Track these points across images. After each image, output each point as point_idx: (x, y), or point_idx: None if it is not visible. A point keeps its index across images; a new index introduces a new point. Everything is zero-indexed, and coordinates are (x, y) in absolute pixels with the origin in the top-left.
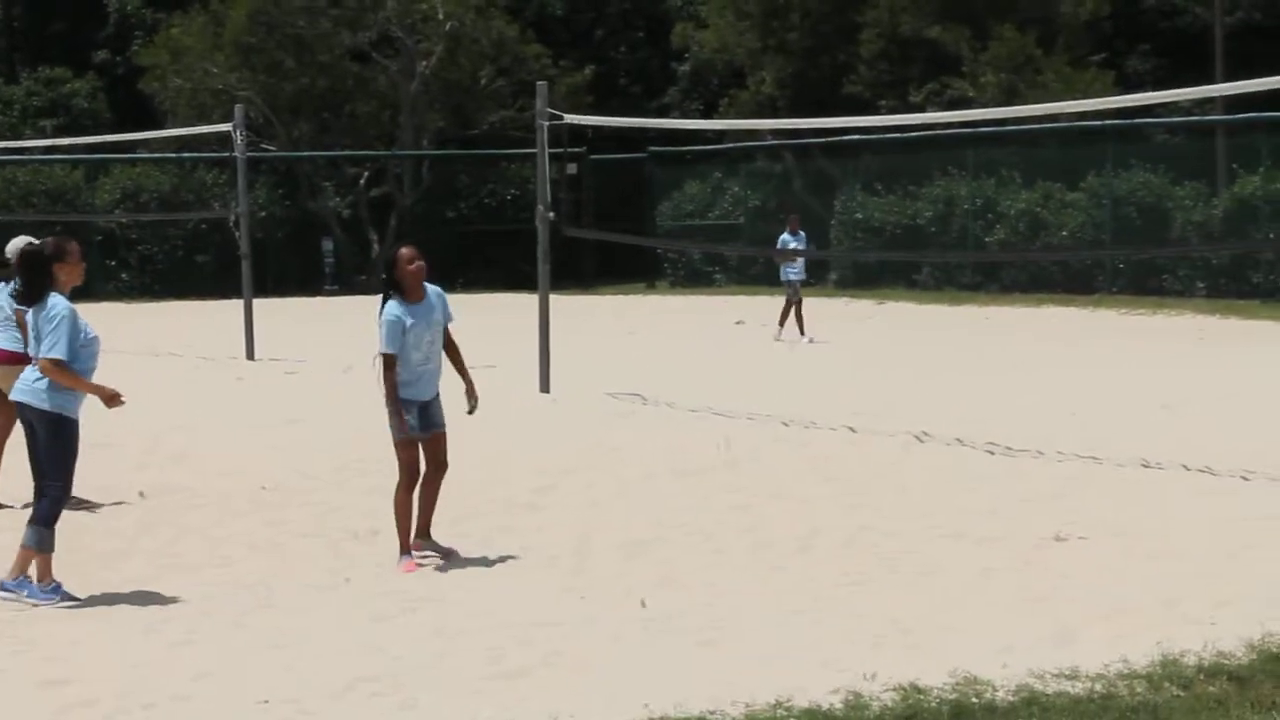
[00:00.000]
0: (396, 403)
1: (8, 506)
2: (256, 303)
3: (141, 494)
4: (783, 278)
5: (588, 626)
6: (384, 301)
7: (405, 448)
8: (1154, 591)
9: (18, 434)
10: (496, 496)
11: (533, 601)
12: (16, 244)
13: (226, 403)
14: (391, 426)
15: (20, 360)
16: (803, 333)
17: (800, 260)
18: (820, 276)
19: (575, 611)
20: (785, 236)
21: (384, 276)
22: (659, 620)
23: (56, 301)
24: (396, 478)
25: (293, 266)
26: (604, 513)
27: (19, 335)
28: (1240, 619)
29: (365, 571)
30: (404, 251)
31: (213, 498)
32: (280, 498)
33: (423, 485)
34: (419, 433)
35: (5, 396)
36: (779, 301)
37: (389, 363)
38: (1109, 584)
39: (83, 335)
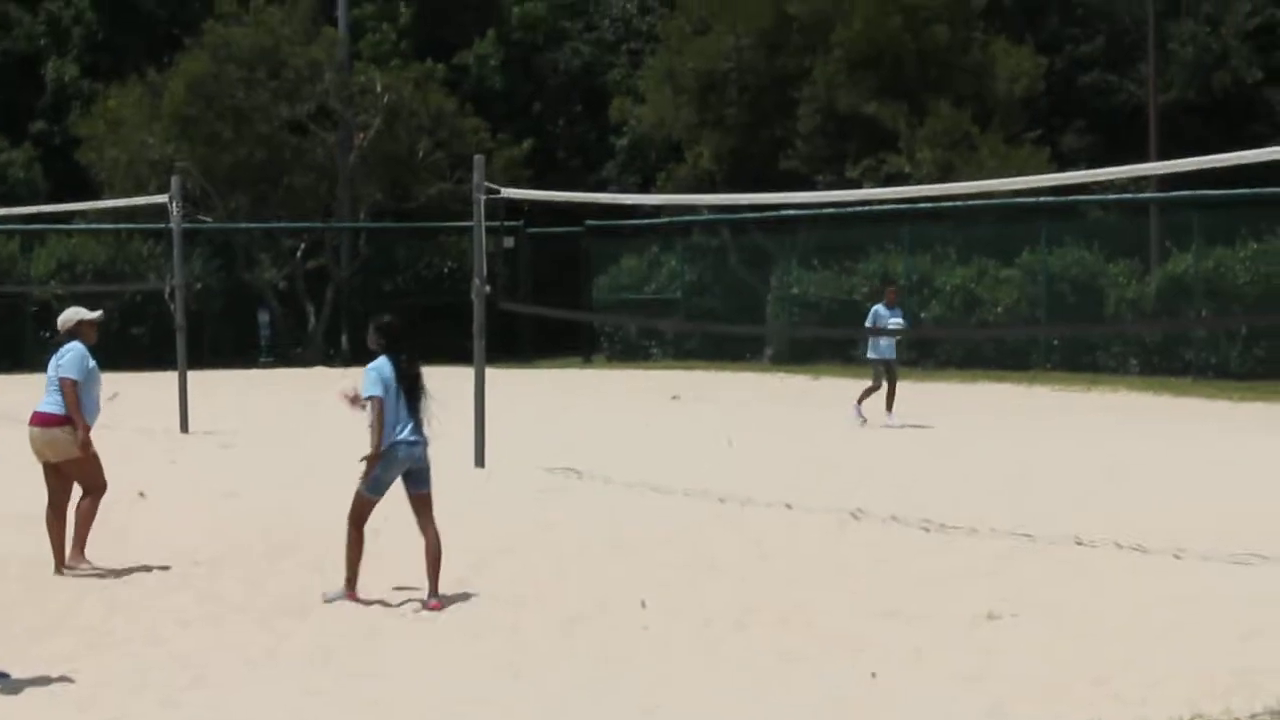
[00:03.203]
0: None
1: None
2: (191, 375)
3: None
4: (872, 354)
5: (522, 704)
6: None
7: None
8: (1085, 670)
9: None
10: None
11: (467, 678)
12: (64, 313)
13: (160, 476)
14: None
15: (60, 422)
16: (858, 405)
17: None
18: (757, 352)
19: (510, 689)
20: (879, 309)
21: (389, 339)
22: (595, 697)
23: None
24: (348, 551)
25: (228, 338)
26: (540, 588)
27: (60, 399)
28: (1170, 699)
29: (299, 646)
30: None
31: (144, 572)
32: (213, 572)
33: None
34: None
35: (51, 466)
36: (714, 377)
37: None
38: (1041, 662)
39: None
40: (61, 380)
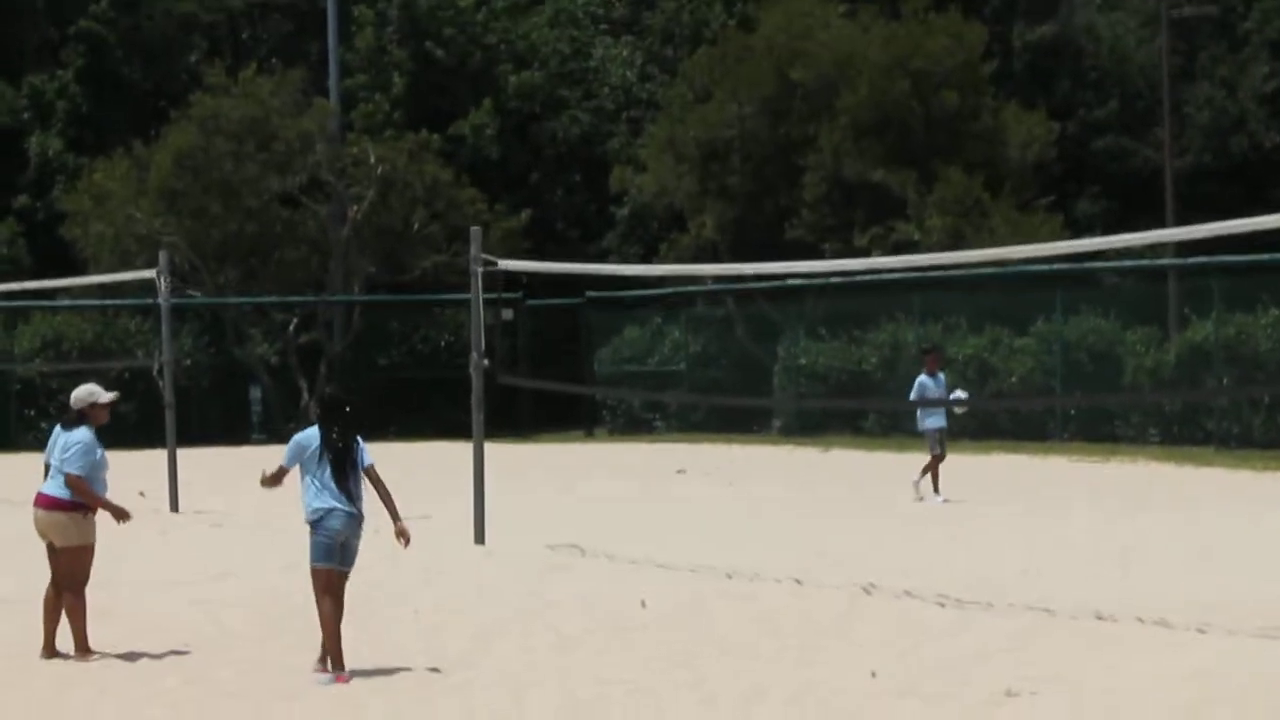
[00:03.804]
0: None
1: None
2: (181, 452)
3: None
4: (920, 427)
5: None
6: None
7: None
8: None
9: None
10: (430, 652)
11: None
12: (78, 391)
13: (149, 557)
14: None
15: (64, 507)
16: (937, 490)
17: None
18: (764, 424)
19: None
20: (923, 379)
21: (323, 409)
22: None
23: None
24: (321, 630)
25: (218, 415)
26: (542, 670)
27: (63, 481)
28: None
29: None
30: None
31: (134, 656)
32: (204, 655)
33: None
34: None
35: (53, 546)
36: (721, 450)
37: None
38: None
39: None
40: (66, 476)
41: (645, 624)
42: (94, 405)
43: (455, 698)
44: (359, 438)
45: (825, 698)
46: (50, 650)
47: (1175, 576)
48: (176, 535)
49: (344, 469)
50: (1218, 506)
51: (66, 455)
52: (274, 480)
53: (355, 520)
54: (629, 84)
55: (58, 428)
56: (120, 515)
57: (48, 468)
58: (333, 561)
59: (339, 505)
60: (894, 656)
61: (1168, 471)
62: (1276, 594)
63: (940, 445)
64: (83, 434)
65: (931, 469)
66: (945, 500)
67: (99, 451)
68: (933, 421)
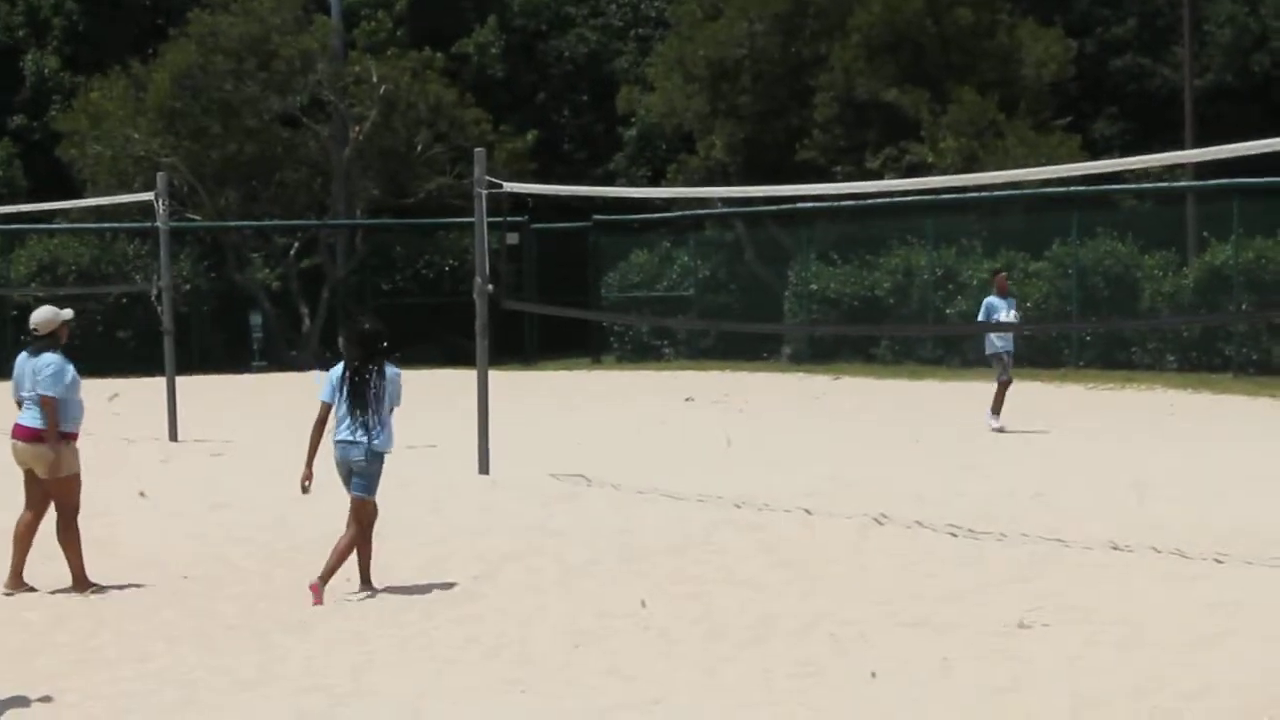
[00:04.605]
0: None
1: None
2: (181, 380)
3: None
4: (989, 350)
5: None
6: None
7: None
8: (1122, 682)
9: None
10: (434, 583)
11: (471, 695)
12: (42, 314)
13: (148, 486)
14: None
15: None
16: (996, 413)
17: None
18: (774, 351)
19: (516, 705)
20: (993, 300)
21: (385, 345)
22: (605, 713)
23: None
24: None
25: (219, 342)
26: (547, 601)
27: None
28: (1211, 713)
29: (293, 665)
30: None
31: (132, 587)
32: (204, 587)
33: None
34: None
35: (34, 476)
36: (730, 378)
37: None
38: (1075, 674)
39: None
40: (42, 397)
41: (652, 555)
42: (64, 324)
43: (460, 628)
44: (388, 371)
45: (834, 629)
46: (17, 581)
47: (1192, 505)
48: (176, 465)
49: (362, 398)
50: (1235, 434)
51: (40, 378)
52: (311, 456)
53: (359, 449)
54: (637, 1)
55: (21, 356)
56: (56, 464)
57: (19, 402)
58: (346, 488)
59: (341, 437)
60: (905, 587)
61: (1185, 398)
62: None
63: (1006, 369)
64: (52, 356)
65: (1003, 389)
66: (1001, 429)
67: (71, 371)
68: (1000, 346)
